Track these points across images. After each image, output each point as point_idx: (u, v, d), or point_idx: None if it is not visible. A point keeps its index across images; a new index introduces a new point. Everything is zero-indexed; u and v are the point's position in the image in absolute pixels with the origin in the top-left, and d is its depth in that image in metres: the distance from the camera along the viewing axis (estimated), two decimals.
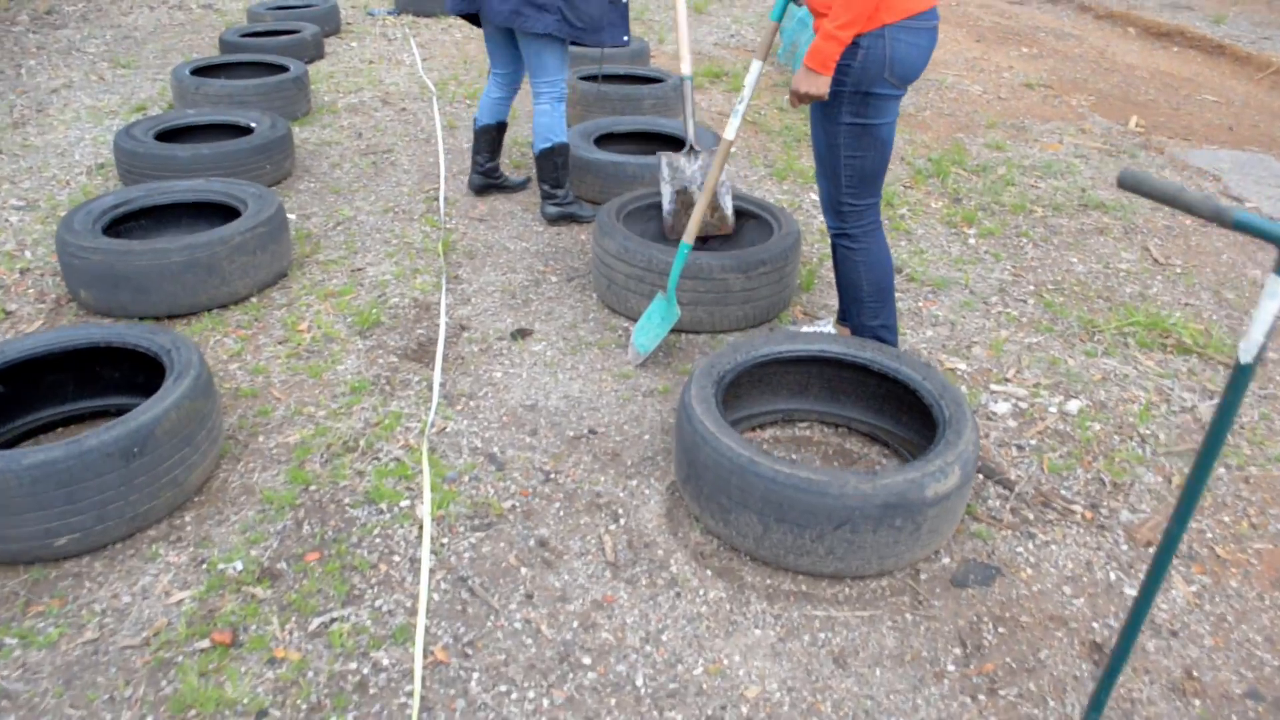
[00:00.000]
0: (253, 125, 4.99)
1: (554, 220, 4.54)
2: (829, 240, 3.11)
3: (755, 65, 3.09)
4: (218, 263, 3.59)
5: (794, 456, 2.99)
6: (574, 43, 4.11)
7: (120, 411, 2.94)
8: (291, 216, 4.54)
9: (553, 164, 4.39)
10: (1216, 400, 3.42)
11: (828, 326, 3.52)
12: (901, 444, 2.98)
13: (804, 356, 2.97)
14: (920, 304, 3.99)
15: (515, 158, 5.45)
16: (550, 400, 3.22)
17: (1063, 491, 2.89)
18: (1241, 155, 6.15)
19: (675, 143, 5.09)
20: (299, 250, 4.18)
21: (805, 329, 3.57)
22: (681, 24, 3.78)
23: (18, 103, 6.22)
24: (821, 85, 2.72)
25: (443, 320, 3.59)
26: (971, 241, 4.64)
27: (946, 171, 5.47)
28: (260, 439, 2.97)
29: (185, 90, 5.60)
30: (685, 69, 3.83)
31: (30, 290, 3.81)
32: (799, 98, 2.77)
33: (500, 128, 4.66)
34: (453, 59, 7.49)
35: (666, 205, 3.88)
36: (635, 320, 3.72)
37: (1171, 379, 3.53)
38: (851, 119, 2.85)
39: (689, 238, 3.28)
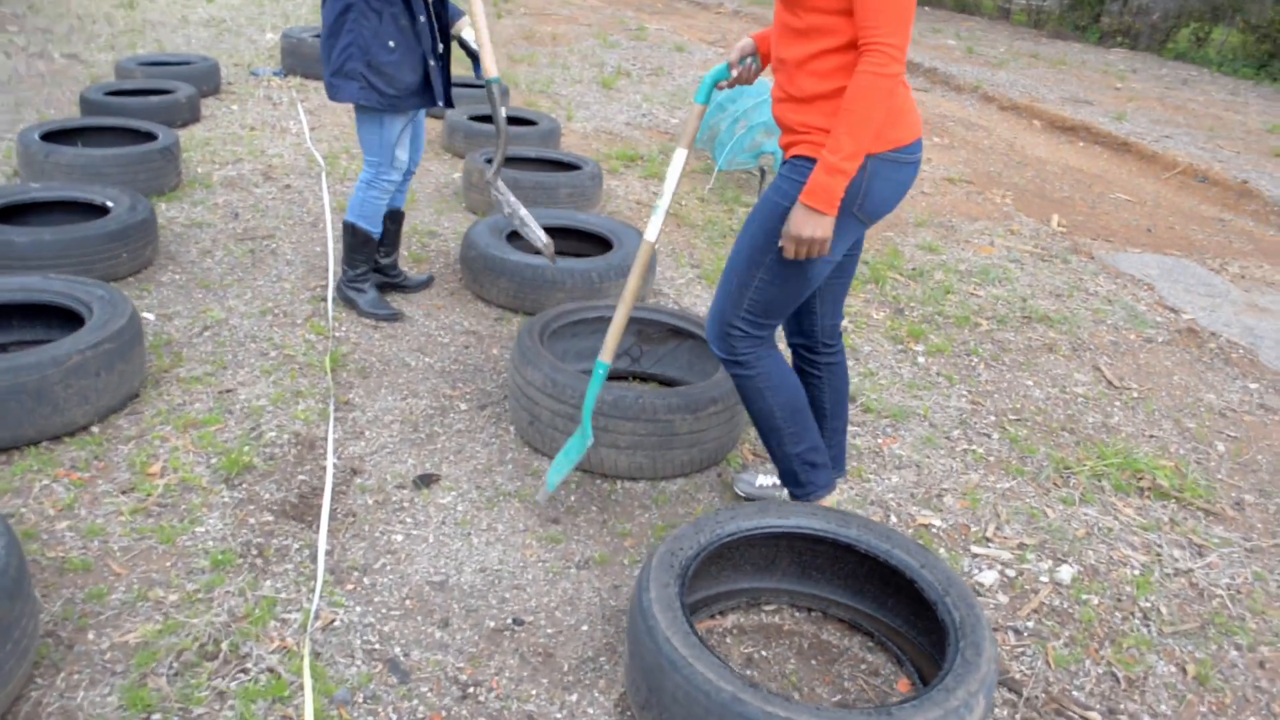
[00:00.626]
0: (109, 205, 4.29)
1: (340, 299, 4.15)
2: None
3: (679, 154, 2.67)
4: (48, 388, 2.91)
5: (764, 653, 2.48)
6: (392, 110, 3.72)
7: None
8: (149, 317, 3.86)
9: (347, 242, 4.01)
10: (1210, 561, 3.08)
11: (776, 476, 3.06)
12: (889, 635, 2.51)
13: (778, 532, 2.48)
14: (880, 440, 3.58)
15: (414, 249, 4.88)
16: (464, 575, 2.65)
17: (1074, 693, 2.46)
18: (1167, 260, 6.04)
19: (601, 243, 4.61)
20: (155, 363, 3.50)
21: (760, 480, 3.10)
22: (480, 21, 3.40)
23: None
24: (826, 227, 2.29)
25: (329, 465, 2.98)
26: (921, 360, 4.28)
27: (883, 277, 5.15)
28: (90, 636, 2.30)
29: (33, 158, 4.85)
30: (491, 70, 3.42)
31: None
32: (799, 244, 2.32)
33: (391, 217, 4.14)
34: (345, 128, 6.88)
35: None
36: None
37: (1156, 531, 3.19)
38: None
39: (606, 355, 2.79)
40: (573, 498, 3.04)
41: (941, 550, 2.99)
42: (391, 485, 3.00)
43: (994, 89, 10.82)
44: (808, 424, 2.70)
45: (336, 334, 3.90)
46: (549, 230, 4.62)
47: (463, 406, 3.48)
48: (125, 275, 4.17)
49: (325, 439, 3.17)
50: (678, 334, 3.68)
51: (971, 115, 9.85)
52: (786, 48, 2.37)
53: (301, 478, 2.97)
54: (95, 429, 3.10)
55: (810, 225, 2.27)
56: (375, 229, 3.97)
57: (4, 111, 6.58)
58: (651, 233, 2.73)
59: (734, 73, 2.69)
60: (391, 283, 4.31)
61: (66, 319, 3.38)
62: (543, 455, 3.23)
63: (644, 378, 3.77)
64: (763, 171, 6.31)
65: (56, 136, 5.22)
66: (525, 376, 3.16)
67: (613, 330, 2.78)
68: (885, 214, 2.47)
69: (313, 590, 2.51)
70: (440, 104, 3.79)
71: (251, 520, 2.75)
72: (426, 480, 3.05)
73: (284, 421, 3.24)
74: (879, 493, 3.26)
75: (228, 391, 3.38)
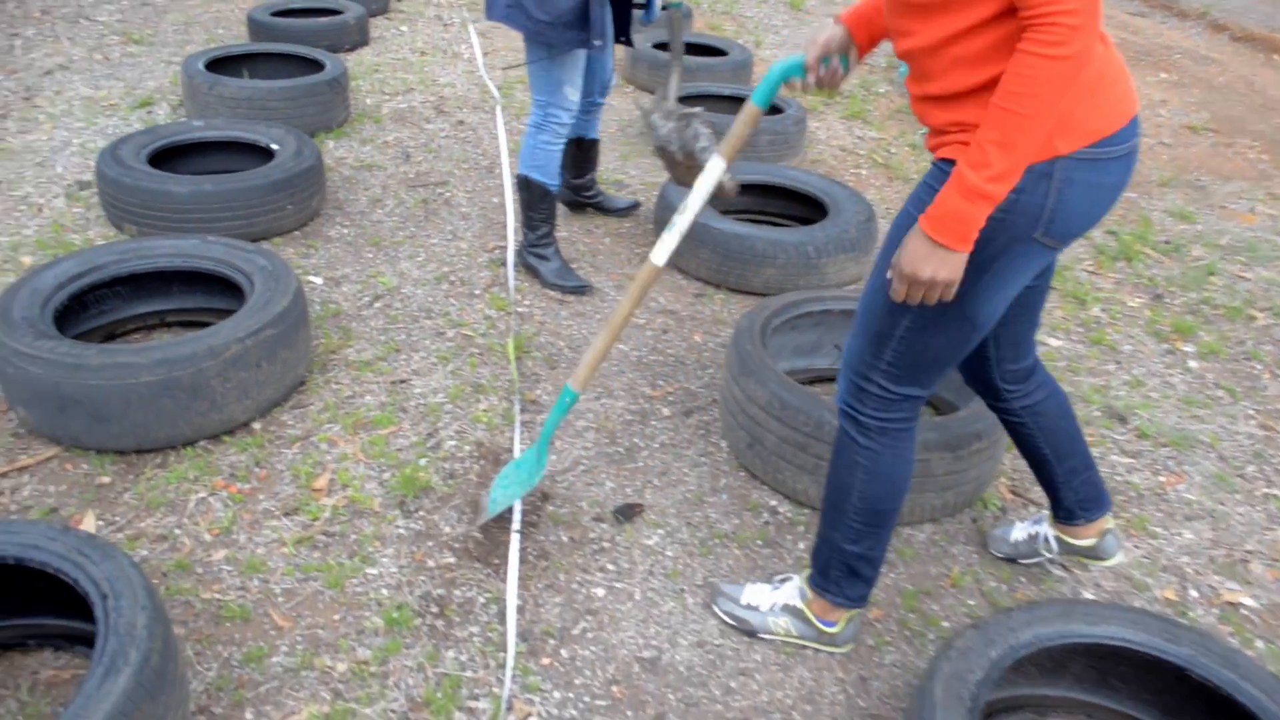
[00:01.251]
0: (274, 147, 3.90)
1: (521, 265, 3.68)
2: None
3: (715, 165, 2.08)
4: (205, 382, 2.53)
5: None
6: (549, 44, 3.15)
7: None
8: (316, 281, 3.46)
9: (522, 198, 3.50)
10: None
11: (1044, 525, 2.41)
12: None
13: (1087, 645, 1.88)
14: (1163, 478, 2.88)
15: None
16: (679, 651, 2.15)
17: None
18: None
19: (812, 206, 3.96)
20: (323, 341, 3.10)
21: (1015, 534, 2.47)
22: None
23: (3, 85, 5.16)
24: (952, 266, 1.61)
25: (517, 505, 2.52)
26: (1193, 366, 3.52)
27: (1135, 253, 4.32)
28: (248, 718, 1.91)
29: (198, 89, 4.51)
30: None
31: None
32: (911, 285, 1.65)
33: (579, 144, 3.74)
34: (519, 54, 6.34)
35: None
36: (787, 498, 2.64)
37: None
38: None
39: (577, 384, 2.30)
40: (801, 544, 2.50)
41: (1258, 642, 2.32)
42: (588, 517, 2.52)
43: (1225, 15, 9.38)
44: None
45: (519, 308, 3.42)
46: (749, 188, 4.00)
47: (665, 411, 2.96)
48: (291, 229, 3.78)
49: (511, 450, 2.70)
50: None
51: (1199, 46, 8.54)
52: (910, 30, 1.66)
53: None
54: (257, 425, 2.72)
55: (930, 263, 1.60)
56: (552, 181, 3.43)
57: (174, 31, 6.32)
58: (660, 255, 2.15)
59: (811, 77, 1.97)
60: (589, 202, 3.93)
61: (227, 286, 3.00)
62: (763, 485, 2.68)
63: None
64: None
65: (221, 65, 4.87)
66: (745, 390, 2.60)
67: (588, 359, 2.27)
68: (1087, 230, 1.73)
69: (502, 666, 2.05)
70: (598, 43, 3.11)
71: (430, 562, 2.31)
72: (629, 512, 2.55)
73: (464, 426, 2.79)
74: (1170, 554, 2.60)
75: (401, 382, 2.95)
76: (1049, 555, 2.40)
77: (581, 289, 3.54)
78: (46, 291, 2.74)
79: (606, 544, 2.45)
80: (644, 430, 2.88)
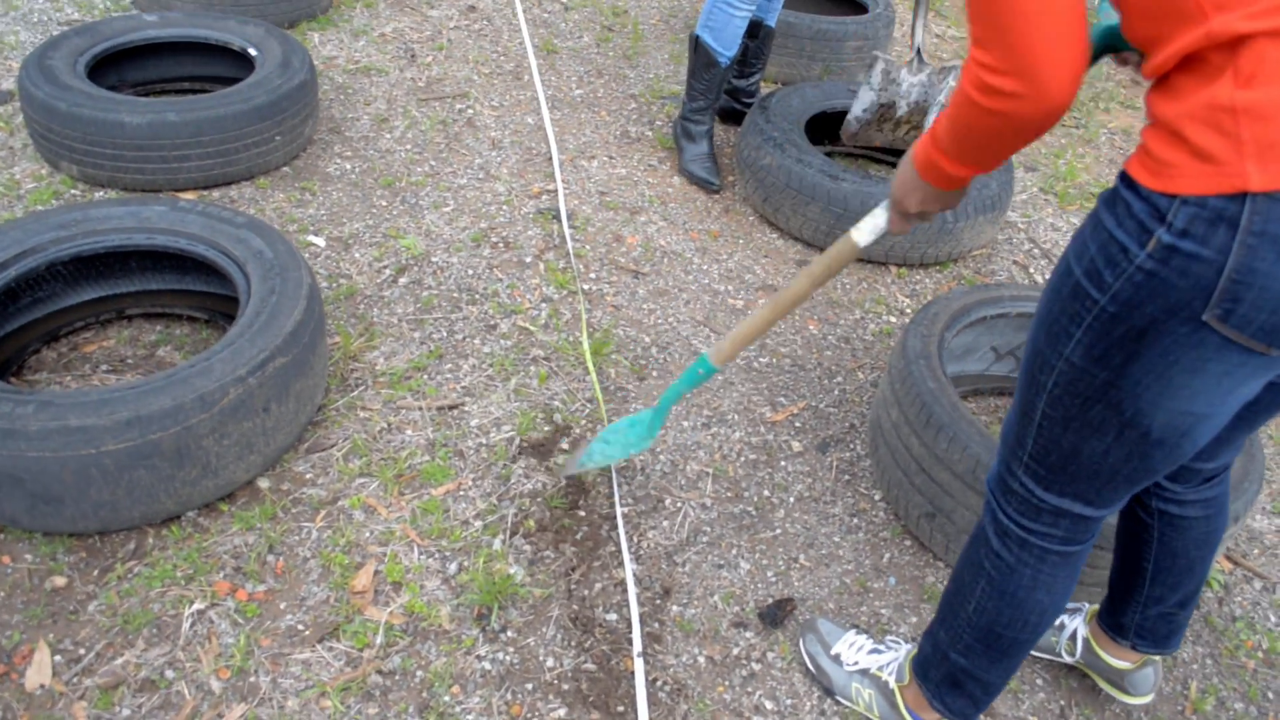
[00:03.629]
0: (251, 52, 3.02)
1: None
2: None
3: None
4: (193, 444, 1.80)
5: None
6: None
7: None
8: (317, 242, 2.68)
9: (689, 59, 3.08)
10: None
11: (1079, 618, 1.83)
12: None
13: None
14: None
15: (660, 129, 3.52)
16: None
17: None
18: None
19: None
20: (339, 341, 2.35)
21: None
22: None
23: None
24: (939, 201, 1.39)
25: (631, 593, 1.85)
26: None
27: None
28: None
29: None
30: None
31: None
32: (905, 216, 1.46)
33: (751, 32, 3.18)
34: None
35: (858, 111, 2.93)
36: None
37: None
38: (1085, 360, 1.16)
39: (719, 358, 1.83)
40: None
41: None
42: (727, 622, 1.88)
43: None
44: (997, 661, 1.51)
45: (583, 282, 2.67)
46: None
47: (794, 446, 2.28)
48: (279, 165, 2.95)
49: (614, 519, 2.02)
50: None
51: None
52: None
53: (596, 608, 1.85)
54: (264, 483, 2.00)
55: (916, 194, 1.39)
56: (726, 50, 2.94)
57: None
58: (864, 233, 1.56)
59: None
60: (745, 111, 3.35)
61: (206, 266, 2.24)
62: (938, 563, 2.05)
63: (1003, 385, 2.50)
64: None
65: None
66: (931, 448, 1.93)
67: (739, 334, 1.78)
68: None
69: None
70: None
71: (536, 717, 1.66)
72: (779, 614, 1.91)
73: (544, 480, 2.09)
74: None
75: (451, 409, 2.23)
76: (1067, 658, 1.83)
77: (711, 186, 3.13)
78: None
79: (757, 664, 1.81)
80: (773, 477, 2.20)
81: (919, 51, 2.86)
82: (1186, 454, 1.21)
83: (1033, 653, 1.87)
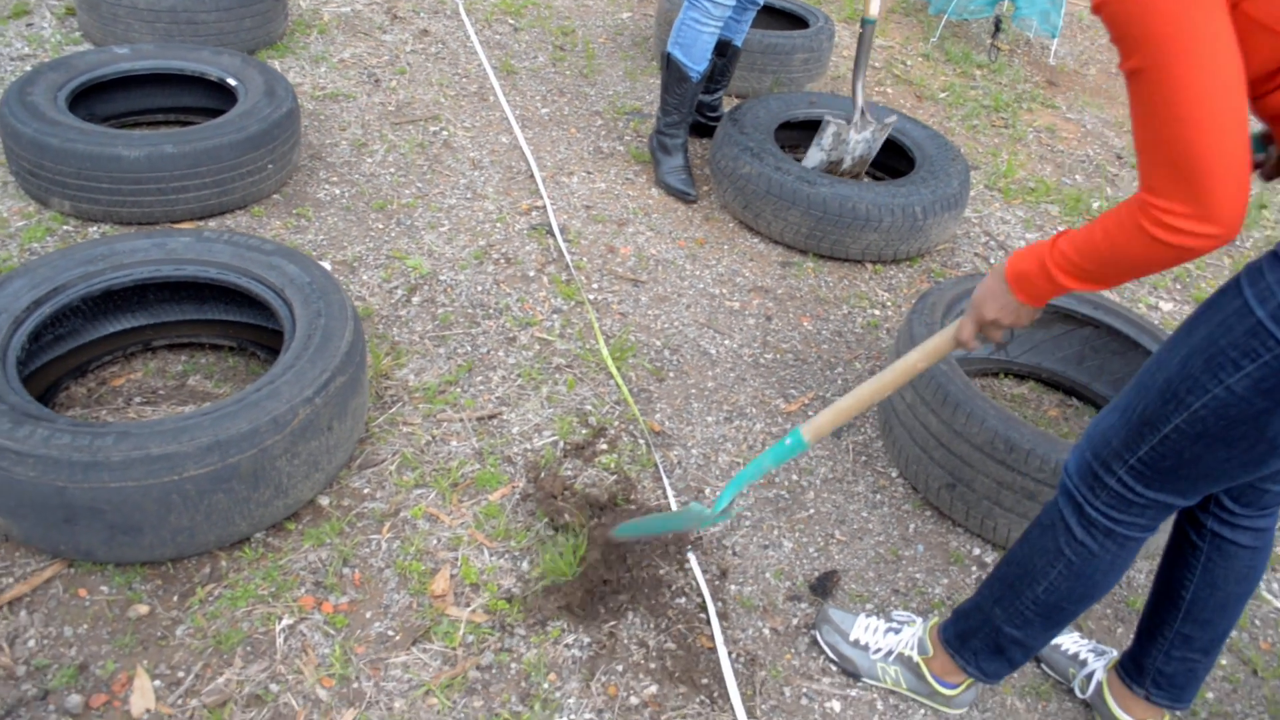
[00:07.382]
0: (231, 83, 3.05)
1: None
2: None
3: None
4: (269, 465, 1.86)
5: None
6: None
7: None
8: (324, 266, 2.72)
9: (662, 76, 3.22)
10: None
11: (1102, 663, 1.91)
12: None
13: None
14: None
15: (631, 142, 3.66)
16: None
17: None
18: None
19: (899, 154, 3.41)
20: (372, 363, 2.42)
21: (1077, 643, 1.95)
22: None
23: None
24: (1018, 316, 1.45)
25: (710, 609, 1.97)
26: None
27: None
28: None
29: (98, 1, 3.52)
30: (873, 8, 3.02)
31: None
32: (979, 322, 1.50)
33: (719, 50, 3.34)
34: None
35: (808, 166, 3.18)
36: (993, 544, 2.20)
37: None
38: (1250, 391, 1.27)
39: (813, 434, 1.71)
40: None
41: None
42: (782, 595, 2.02)
43: None
44: (1051, 630, 1.65)
45: (588, 293, 2.78)
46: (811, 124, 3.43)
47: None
48: (271, 193, 2.98)
49: (667, 506, 2.14)
50: (1067, 318, 2.62)
51: None
52: None
53: (665, 591, 1.96)
54: (325, 500, 2.06)
55: (996, 303, 1.45)
56: (696, 65, 3.08)
57: None
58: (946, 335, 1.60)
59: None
60: (713, 124, 3.55)
61: (237, 295, 2.28)
62: (959, 529, 2.23)
63: (1015, 373, 2.73)
64: (998, 23, 4.99)
65: None
66: (949, 424, 2.11)
67: (839, 408, 1.67)
68: None
69: None
70: None
71: (631, 698, 1.77)
72: (827, 585, 2.06)
73: (591, 477, 2.19)
74: None
75: (489, 419, 2.31)
76: (1079, 693, 1.91)
77: (687, 197, 3.27)
78: (1, 332, 1.96)
79: (815, 647, 1.95)
80: (798, 462, 2.35)
81: (862, 111, 3.12)
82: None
83: (1046, 671, 1.97)
